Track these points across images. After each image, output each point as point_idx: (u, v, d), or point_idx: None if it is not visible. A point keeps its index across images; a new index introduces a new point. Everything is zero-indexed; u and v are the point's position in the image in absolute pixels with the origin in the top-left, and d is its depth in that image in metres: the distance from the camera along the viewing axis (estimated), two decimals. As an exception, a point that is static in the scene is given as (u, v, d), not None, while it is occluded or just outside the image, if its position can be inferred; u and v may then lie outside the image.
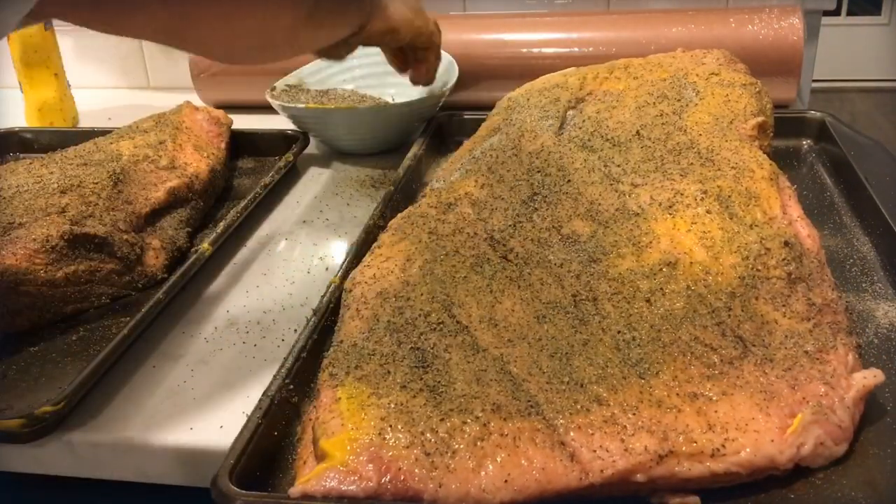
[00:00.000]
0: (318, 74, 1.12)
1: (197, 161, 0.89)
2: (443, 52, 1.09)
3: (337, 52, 0.80)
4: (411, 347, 0.54)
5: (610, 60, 0.92)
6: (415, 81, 0.96)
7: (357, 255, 0.70)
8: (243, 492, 0.47)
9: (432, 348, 0.54)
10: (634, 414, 0.49)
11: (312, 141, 1.04)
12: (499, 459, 0.47)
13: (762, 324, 0.56)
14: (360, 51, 1.12)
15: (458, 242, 0.64)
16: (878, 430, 0.54)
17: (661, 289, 0.59)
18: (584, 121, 0.80)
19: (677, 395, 0.51)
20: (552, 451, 0.48)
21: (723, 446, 0.48)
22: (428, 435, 0.47)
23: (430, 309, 0.57)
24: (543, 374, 0.52)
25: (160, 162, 0.85)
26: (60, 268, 0.70)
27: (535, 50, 1.10)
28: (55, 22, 1.19)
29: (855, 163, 0.83)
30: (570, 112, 0.83)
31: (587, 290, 0.61)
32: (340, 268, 0.70)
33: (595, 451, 0.47)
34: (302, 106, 1.03)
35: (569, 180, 0.71)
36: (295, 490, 0.46)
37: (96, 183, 0.78)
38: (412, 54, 0.92)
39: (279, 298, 0.74)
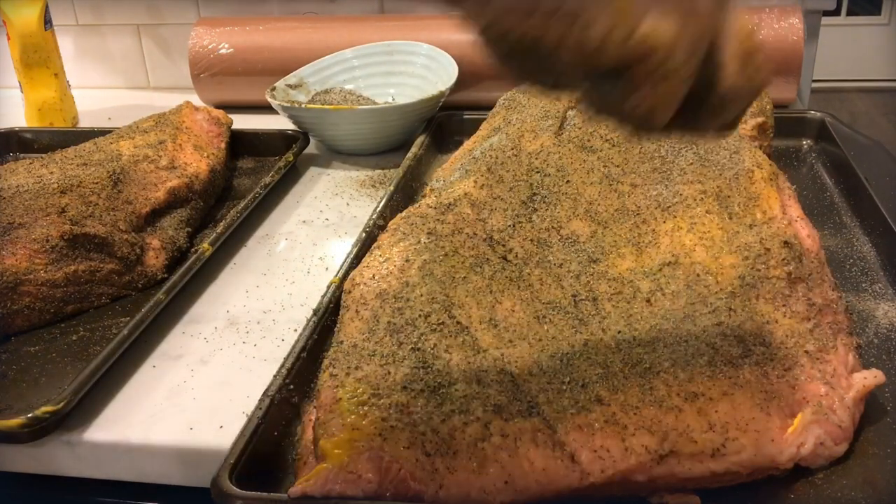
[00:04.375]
0: (318, 74, 1.12)
1: (197, 161, 0.89)
2: (442, 52, 1.09)
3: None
4: (411, 348, 0.54)
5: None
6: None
7: (357, 255, 0.70)
8: (243, 492, 0.47)
9: (432, 349, 0.54)
10: (635, 414, 0.49)
11: (312, 141, 1.04)
12: (499, 460, 0.47)
13: (762, 324, 0.56)
14: (361, 50, 1.13)
15: (458, 243, 0.64)
16: (878, 430, 0.54)
17: (661, 289, 0.59)
18: (584, 121, 0.80)
19: (677, 394, 0.51)
20: (552, 451, 0.48)
21: (723, 446, 0.48)
22: (428, 435, 0.47)
23: (430, 310, 0.57)
24: (544, 374, 0.52)
25: (160, 162, 0.85)
26: (60, 268, 0.70)
27: (535, 50, 1.10)
28: (55, 22, 1.19)
29: (855, 163, 0.83)
30: (571, 112, 0.83)
31: (587, 290, 0.61)
32: (340, 268, 0.70)
33: (595, 451, 0.47)
34: (302, 106, 1.03)
35: (568, 181, 0.71)
36: (295, 490, 0.46)
37: (96, 183, 0.78)
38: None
39: (279, 298, 0.74)
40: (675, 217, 0.65)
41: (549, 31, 0.35)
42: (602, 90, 0.38)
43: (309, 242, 0.84)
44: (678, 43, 0.36)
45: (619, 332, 0.56)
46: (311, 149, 1.04)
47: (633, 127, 0.40)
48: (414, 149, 0.94)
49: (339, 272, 0.69)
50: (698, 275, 0.59)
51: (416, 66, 1.12)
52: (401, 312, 0.57)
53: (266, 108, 1.05)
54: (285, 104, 1.01)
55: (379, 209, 0.79)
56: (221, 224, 0.81)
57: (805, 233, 0.63)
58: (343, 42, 1.14)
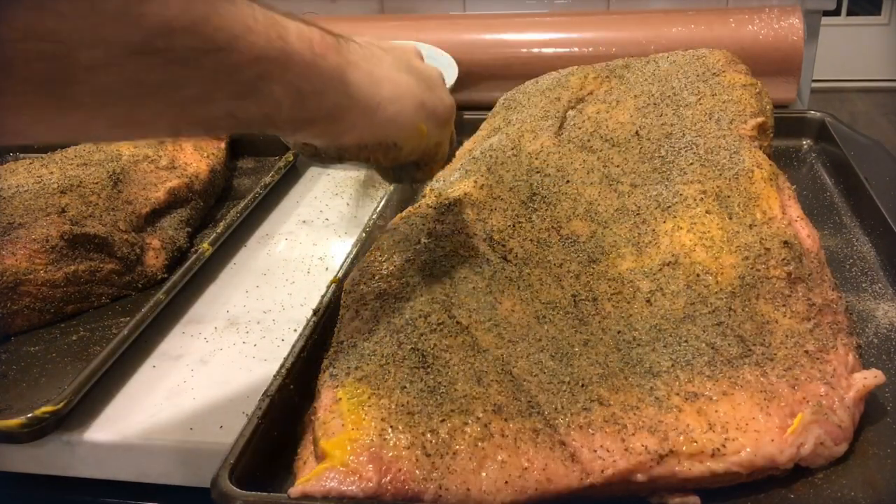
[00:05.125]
0: (318, 74, 1.11)
1: (197, 161, 0.89)
2: (443, 51, 1.09)
3: (310, 153, 0.56)
4: (411, 348, 0.54)
5: (610, 60, 0.92)
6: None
7: (357, 255, 0.70)
8: (243, 492, 0.48)
9: (432, 349, 0.54)
10: (635, 414, 0.49)
11: (312, 141, 1.04)
12: (499, 460, 0.47)
13: (762, 324, 0.56)
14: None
15: (458, 243, 0.64)
16: (878, 430, 0.54)
17: (661, 289, 0.59)
18: (583, 121, 0.80)
19: (677, 394, 0.51)
20: (552, 451, 0.48)
21: (723, 446, 0.48)
22: (428, 436, 0.47)
23: (430, 310, 0.57)
24: (544, 374, 0.52)
25: (160, 162, 0.85)
26: (60, 268, 0.70)
27: (535, 50, 1.10)
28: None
29: (855, 163, 0.83)
30: (571, 112, 0.83)
31: (587, 290, 0.61)
32: (340, 268, 0.70)
33: (595, 451, 0.47)
34: (302, 106, 1.03)
35: (568, 181, 0.71)
36: (295, 490, 0.46)
37: (96, 183, 0.78)
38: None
39: (279, 298, 0.74)
40: (675, 217, 0.65)
41: (373, 155, 0.55)
42: (397, 169, 0.60)
43: (309, 242, 0.84)
44: (447, 145, 0.62)
45: (619, 332, 0.56)
46: (311, 149, 1.04)
47: (408, 184, 0.72)
48: (414, 149, 0.94)
49: (339, 272, 0.69)
50: (698, 275, 0.59)
51: (416, 66, 1.12)
52: (401, 312, 0.57)
53: (266, 108, 1.05)
54: (285, 104, 1.01)
55: (379, 209, 0.79)
56: (221, 224, 0.81)
57: (805, 233, 0.63)
58: (343, 42, 1.14)
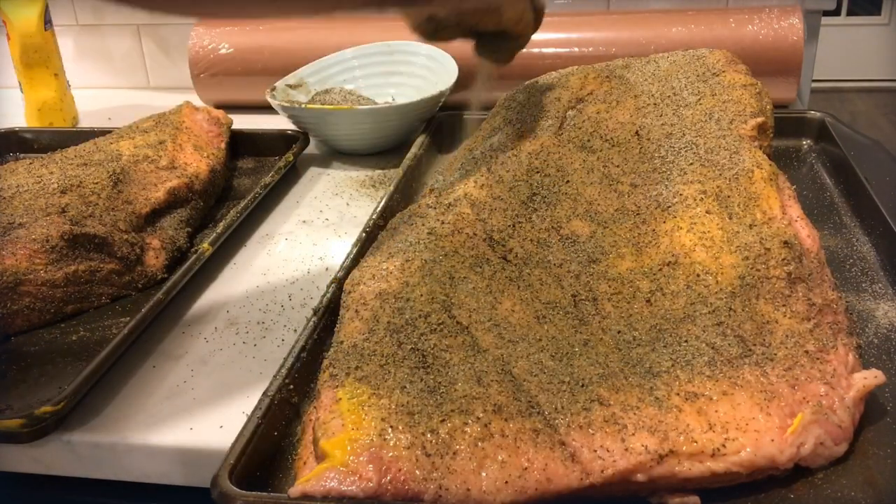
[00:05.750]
0: (318, 74, 1.12)
1: (197, 161, 0.89)
2: (443, 52, 1.09)
3: (430, 30, 0.69)
4: (411, 348, 0.54)
5: (610, 60, 0.92)
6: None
7: (357, 255, 0.70)
8: (243, 492, 0.47)
9: (432, 349, 0.54)
10: (635, 413, 0.49)
11: (312, 141, 1.04)
12: (499, 460, 0.47)
13: (762, 324, 0.56)
14: (361, 50, 1.13)
15: (458, 243, 0.64)
16: (878, 430, 0.54)
17: (661, 289, 0.59)
18: (583, 121, 0.80)
19: (677, 394, 0.51)
20: (553, 451, 0.48)
21: (723, 446, 0.48)
22: (428, 436, 0.47)
23: (430, 310, 0.57)
24: (544, 374, 0.52)
25: (160, 162, 0.85)
26: (60, 268, 0.70)
27: (535, 50, 1.10)
28: (55, 22, 1.19)
29: (855, 163, 0.83)
30: (571, 112, 0.83)
31: (587, 290, 0.61)
32: (340, 268, 0.70)
33: (595, 450, 0.47)
34: (302, 106, 1.03)
35: (568, 181, 0.71)
36: (295, 490, 0.46)
37: (96, 183, 0.78)
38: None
39: (279, 298, 0.74)
40: (675, 217, 0.65)
41: (482, 20, 0.69)
42: (492, 42, 0.74)
43: (309, 242, 0.84)
44: (530, 15, 0.73)
45: (619, 332, 0.57)
46: (311, 149, 1.04)
47: (505, 60, 0.79)
48: (414, 149, 0.94)
49: (338, 272, 0.69)
50: (698, 275, 0.59)
51: (416, 66, 1.12)
52: (401, 312, 0.57)
53: (266, 108, 1.05)
54: (285, 104, 1.01)
55: (379, 209, 0.79)
56: (221, 224, 0.81)
57: (805, 233, 0.63)
58: (343, 42, 1.14)
